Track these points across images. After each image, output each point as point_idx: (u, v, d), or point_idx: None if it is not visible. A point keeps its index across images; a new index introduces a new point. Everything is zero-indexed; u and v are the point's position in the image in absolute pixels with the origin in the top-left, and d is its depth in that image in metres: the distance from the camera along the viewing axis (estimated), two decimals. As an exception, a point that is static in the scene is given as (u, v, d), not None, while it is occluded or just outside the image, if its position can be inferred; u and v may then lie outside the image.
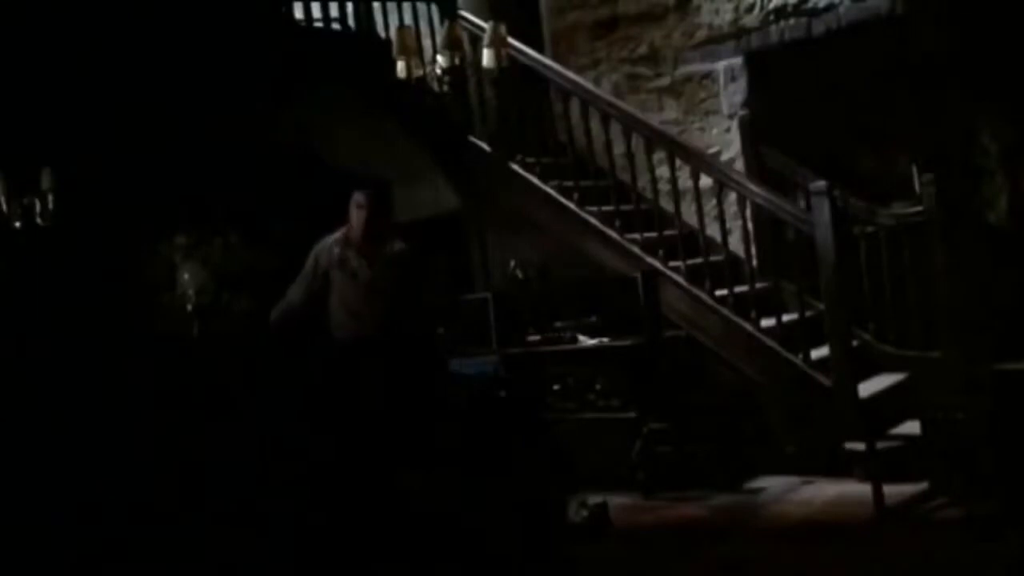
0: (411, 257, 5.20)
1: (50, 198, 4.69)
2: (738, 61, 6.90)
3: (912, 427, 5.36)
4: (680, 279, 6.08)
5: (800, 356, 5.71)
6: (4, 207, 4.62)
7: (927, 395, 5.38)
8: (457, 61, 5.67)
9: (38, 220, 4.76)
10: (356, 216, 5.10)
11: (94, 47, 4.64)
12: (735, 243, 6.22)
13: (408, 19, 6.81)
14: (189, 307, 5.21)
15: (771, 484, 5.53)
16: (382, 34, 6.82)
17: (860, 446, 5.20)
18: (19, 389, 4.08)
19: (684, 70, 7.15)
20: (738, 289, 5.99)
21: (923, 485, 4.96)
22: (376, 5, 6.93)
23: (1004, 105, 5.96)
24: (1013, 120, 5.94)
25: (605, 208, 6.41)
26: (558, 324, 6.15)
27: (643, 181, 6.37)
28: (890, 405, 5.60)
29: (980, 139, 6.07)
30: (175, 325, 5.18)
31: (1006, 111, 5.96)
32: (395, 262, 5.16)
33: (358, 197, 5.11)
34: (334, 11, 6.80)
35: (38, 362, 4.31)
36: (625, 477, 5.58)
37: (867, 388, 5.65)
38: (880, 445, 5.19)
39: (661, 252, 6.18)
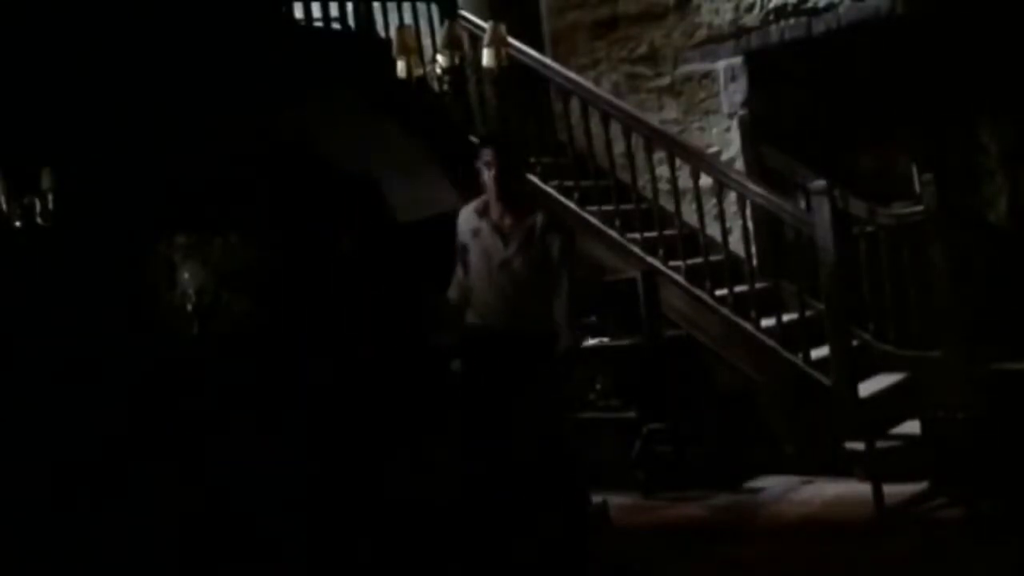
0: (553, 236, 4.30)
1: (50, 198, 4.69)
2: (738, 61, 6.90)
3: (912, 427, 5.36)
4: (680, 279, 6.08)
5: (800, 356, 5.71)
6: (4, 207, 4.62)
7: (927, 395, 5.38)
8: (457, 61, 5.68)
9: (38, 220, 4.76)
10: (486, 177, 4.28)
11: (95, 47, 4.65)
12: (735, 243, 6.22)
13: (408, 19, 6.81)
14: (189, 307, 5.20)
15: (771, 484, 5.54)
16: (382, 34, 6.82)
17: (860, 446, 5.20)
18: (19, 388, 4.08)
19: (684, 70, 7.16)
20: (738, 289, 5.99)
21: (923, 485, 4.97)
22: (376, 5, 6.93)
23: (1004, 105, 5.97)
24: (1013, 120, 5.95)
25: (605, 207, 6.42)
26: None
27: (643, 180, 6.38)
28: (890, 405, 5.61)
29: (980, 139, 6.08)
30: (175, 324, 5.18)
31: (1006, 111, 5.97)
32: (534, 241, 4.27)
33: (485, 153, 4.29)
34: (334, 11, 6.80)
35: (38, 361, 4.31)
36: (625, 477, 5.58)
37: (867, 388, 5.65)
38: (880, 445, 5.20)
39: (661, 252, 6.18)
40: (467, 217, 4.40)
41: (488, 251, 4.29)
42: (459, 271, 4.42)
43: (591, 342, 5.98)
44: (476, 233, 4.32)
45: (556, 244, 4.28)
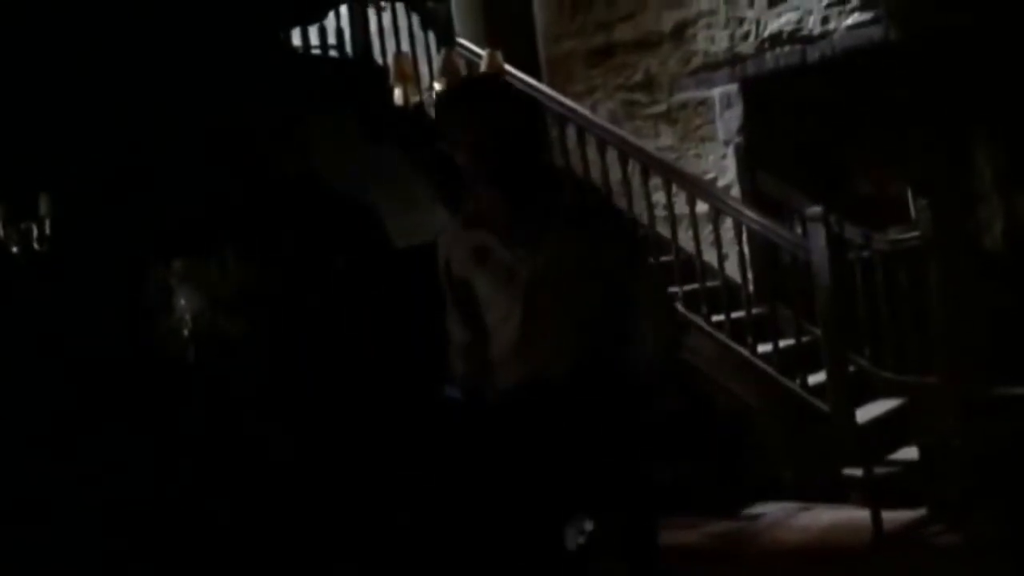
0: (600, 225, 2.81)
1: (47, 223, 4.70)
2: (733, 88, 6.94)
3: (910, 452, 5.35)
4: (677, 305, 6.08)
5: (797, 382, 5.70)
6: (1, 232, 4.63)
7: (925, 420, 5.37)
8: (454, 88, 5.70)
9: (35, 245, 4.76)
10: (463, 161, 2.73)
11: (92, 74, 4.66)
12: (731, 269, 6.23)
13: (405, 46, 6.85)
14: (186, 332, 5.19)
15: (769, 510, 5.51)
16: (380, 61, 6.86)
17: (858, 472, 5.19)
18: (16, 414, 4.06)
19: (680, 97, 7.19)
20: (735, 314, 5.99)
21: (921, 511, 4.95)
22: (373, 32, 6.98)
23: (998, 129, 6.00)
24: (1007, 144, 5.97)
25: (601, 234, 6.41)
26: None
27: (639, 207, 6.39)
28: (888, 430, 5.60)
29: (975, 163, 6.10)
30: (172, 349, 5.17)
31: (1000, 135, 6.00)
32: (575, 235, 2.73)
33: (453, 118, 2.77)
34: (332, 38, 6.84)
35: (35, 388, 4.29)
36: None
37: (864, 413, 5.64)
38: (878, 471, 5.18)
39: (658, 278, 6.18)
40: (455, 242, 2.85)
41: (508, 273, 2.72)
42: (457, 328, 2.88)
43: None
44: (481, 255, 2.75)
45: (606, 221, 2.84)
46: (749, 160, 6.81)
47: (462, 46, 6.79)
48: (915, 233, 5.73)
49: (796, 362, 5.76)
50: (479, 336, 2.83)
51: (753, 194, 6.68)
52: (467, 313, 2.84)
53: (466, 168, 2.73)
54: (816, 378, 5.69)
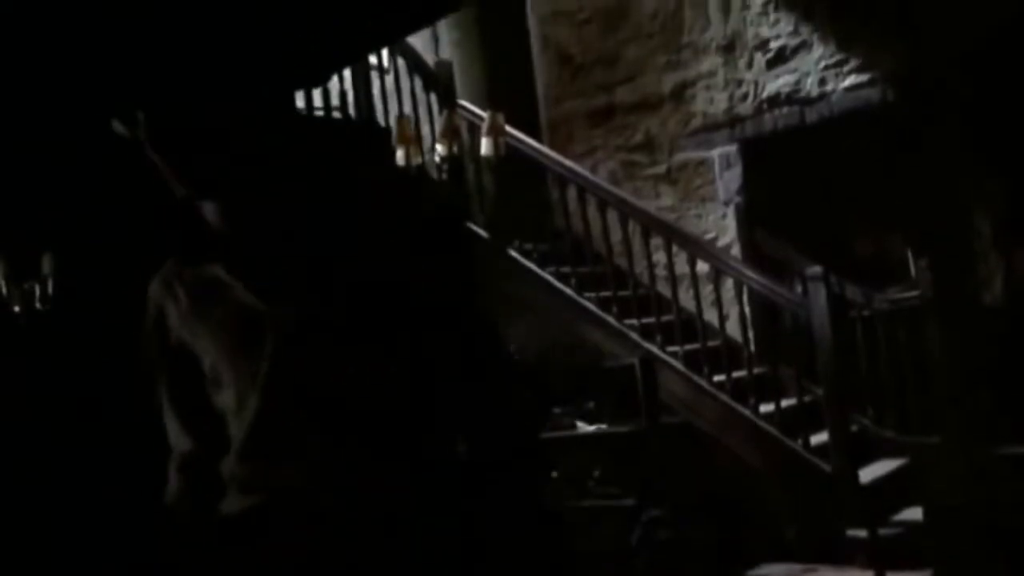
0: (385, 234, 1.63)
1: (50, 283, 4.71)
2: (733, 148, 6.99)
3: (914, 513, 5.30)
4: (678, 364, 6.08)
5: (799, 442, 5.68)
6: (4, 291, 4.63)
7: (928, 481, 5.34)
8: (455, 149, 5.77)
9: (38, 305, 4.76)
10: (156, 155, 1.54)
11: (95, 137, 4.71)
12: (732, 328, 6.23)
13: (408, 107, 6.92)
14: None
15: (772, 572, 5.46)
16: (382, 122, 6.92)
17: (862, 533, 5.15)
18: (19, 474, 4.04)
19: (680, 157, 7.25)
20: (736, 374, 5.98)
21: (926, 572, 4.90)
22: (376, 93, 7.06)
23: (995, 186, 6.04)
24: (1005, 201, 6.01)
25: (603, 294, 6.44)
26: (556, 410, 6.13)
27: (640, 267, 6.41)
28: (891, 491, 5.56)
29: (973, 221, 6.13)
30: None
31: (997, 192, 6.04)
32: (366, 255, 1.59)
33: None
34: (335, 100, 6.91)
35: (39, 447, 4.28)
36: (624, 565, 5.50)
37: (868, 474, 5.61)
38: (882, 532, 5.14)
39: (659, 337, 6.18)
40: (172, 284, 1.69)
41: (247, 326, 1.58)
42: (175, 427, 1.71)
43: (589, 428, 5.96)
44: (207, 302, 1.63)
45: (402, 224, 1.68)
46: (749, 220, 6.85)
47: (464, 107, 6.86)
48: (915, 292, 5.74)
49: (798, 422, 5.74)
50: (206, 438, 1.67)
51: (753, 254, 6.70)
52: (189, 400, 1.69)
53: (162, 166, 1.59)
54: (818, 438, 5.66)
